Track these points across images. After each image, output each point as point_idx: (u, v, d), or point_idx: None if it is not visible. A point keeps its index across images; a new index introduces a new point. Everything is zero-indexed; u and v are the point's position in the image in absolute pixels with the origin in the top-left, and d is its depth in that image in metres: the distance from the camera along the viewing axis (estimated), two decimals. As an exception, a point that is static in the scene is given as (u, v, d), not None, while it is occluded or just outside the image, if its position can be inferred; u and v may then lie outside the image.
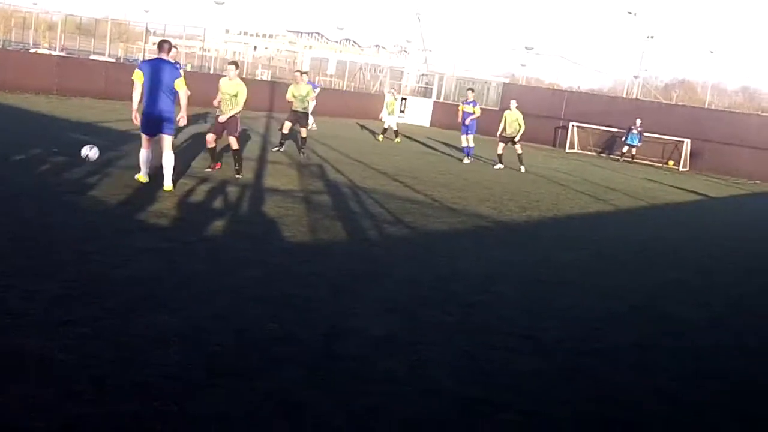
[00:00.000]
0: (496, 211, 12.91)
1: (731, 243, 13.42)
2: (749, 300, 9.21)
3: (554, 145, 35.80)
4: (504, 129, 21.80)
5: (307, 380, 4.82)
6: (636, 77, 70.79)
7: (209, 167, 13.19)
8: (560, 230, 12.41)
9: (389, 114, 27.03)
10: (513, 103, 22.31)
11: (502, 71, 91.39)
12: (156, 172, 10.82)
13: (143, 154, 10.81)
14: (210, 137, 13.12)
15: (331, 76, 56.49)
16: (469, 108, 22.62)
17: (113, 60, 40.19)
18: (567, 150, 34.46)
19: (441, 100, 43.34)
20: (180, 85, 10.59)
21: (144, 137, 10.76)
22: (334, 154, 18.91)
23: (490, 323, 6.59)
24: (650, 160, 32.90)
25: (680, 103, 52.54)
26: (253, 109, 29.16)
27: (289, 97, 18.51)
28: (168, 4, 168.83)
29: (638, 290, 8.70)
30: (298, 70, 22.15)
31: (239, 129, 13.44)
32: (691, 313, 7.96)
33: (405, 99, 41.62)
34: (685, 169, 31.96)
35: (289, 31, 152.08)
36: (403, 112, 40.31)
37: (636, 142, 32.04)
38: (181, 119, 10.72)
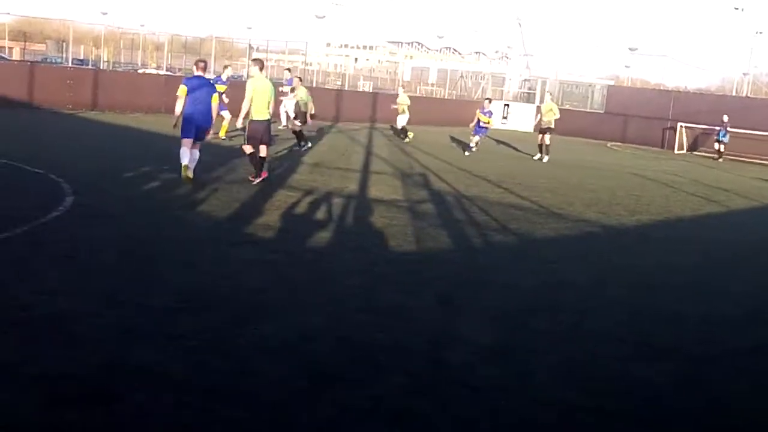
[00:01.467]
0: (604, 216, 12.61)
1: None
2: None
3: (662, 147, 34.82)
4: (540, 120, 23.45)
5: (413, 388, 4.79)
6: (745, 74, 68.18)
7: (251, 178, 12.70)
8: (671, 233, 12.01)
9: (401, 114, 25.86)
10: (548, 96, 25.65)
11: (606, 73, 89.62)
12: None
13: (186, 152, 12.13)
14: (247, 148, 12.69)
15: (432, 84, 56.60)
16: (485, 118, 23.04)
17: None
18: (676, 151, 33.46)
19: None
20: (214, 99, 12.28)
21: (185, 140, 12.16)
22: (437, 162, 18.88)
23: (600, 330, 6.43)
24: (763, 159, 31.55)
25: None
26: (357, 120, 29.51)
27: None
28: (270, 21, 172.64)
29: (753, 294, 8.34)
30: (297, 76, 22.32)
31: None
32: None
33: (507, 105, 41.24)
34: (801, 167, 30.54)
35: (389, 42, 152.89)
36: (506, 118, 39.96)
37: (724, 138, 31.11)
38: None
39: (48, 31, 60.98)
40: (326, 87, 45.21)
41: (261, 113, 12.42)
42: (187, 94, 12.14)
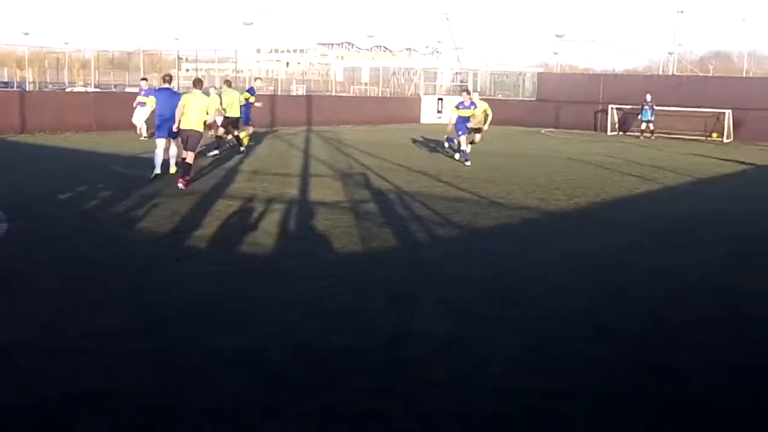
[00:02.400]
0: (543, 202, 12.78)
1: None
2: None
3: (595, 130, 35.39)
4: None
5: (373, 389, 4.80)
6: (670, 54, 69.73)
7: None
8: (609, 214, 12.23)
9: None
10: (476, 95, 21.12)
11: (536, 61, 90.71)
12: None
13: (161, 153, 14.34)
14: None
15: (365, 84, 56.59)
16: (468, 112, 19.85)
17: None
18: (608, 133, 34.04)
19: (478, 96, 43.12)
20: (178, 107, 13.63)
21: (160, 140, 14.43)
22: (376, 161, 18.90)
23: (550, 314, 6.52)
24: (693, 134, 32.36)
25: (717, 75, 51.63)
26: (292, 124, 29.41)
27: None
28: (197, 30, 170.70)
29: (692, 268, 8.54)
30: (227, 80, 22.86)
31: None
32: (749, 286, 7.80)
33: (441, 99, 41.48)
34: (729, 141, 31.38)
35: (319, 44, 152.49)
36: (440, 112, 40.18)
37: (649, 117, 32.12)
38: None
39: (-31, 54, 59.41)
40: (259, 93, 44.84)
41: (187, 123, 13.65)
42: (156, 104, 14.58)
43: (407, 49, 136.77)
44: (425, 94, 43.54)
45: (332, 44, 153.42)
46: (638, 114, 32.74)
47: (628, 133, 33.90)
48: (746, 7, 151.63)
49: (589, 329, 6.16)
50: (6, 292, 6.79)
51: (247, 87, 23.59)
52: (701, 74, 53.43)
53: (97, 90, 35.40)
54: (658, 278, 7.97)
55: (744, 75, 49.40)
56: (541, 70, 55.08)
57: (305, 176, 15.50)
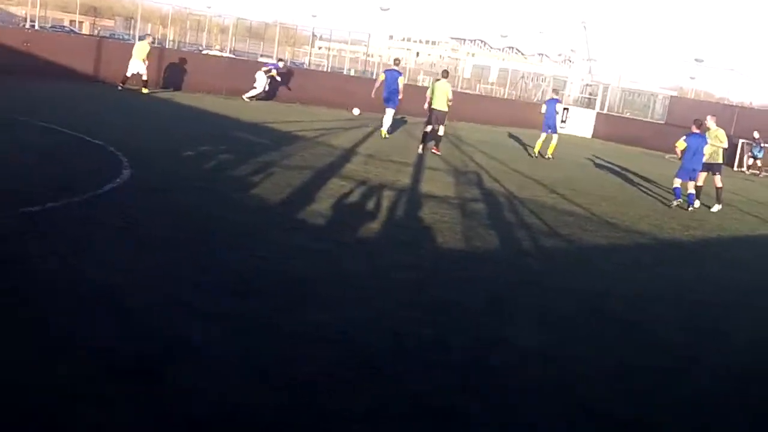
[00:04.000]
0: (657, 229, 12.44)
1: None
2: None
3: (748, 169, 34.02)
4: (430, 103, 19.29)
5: (455, 386, 4.81)
6: (815, 93, 66.49)
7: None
8: (724, 251, 11.83)
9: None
10: (443, 83, 19.31)
11: (670, 83, 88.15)
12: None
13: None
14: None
15: (492, 83, 56.26)
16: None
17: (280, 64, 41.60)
18: (735, 168, 32.78)
19: (605, 111, 42.23)
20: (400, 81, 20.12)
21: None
22: (492, 162, 18.80)
23: (645, 342, 6.38)
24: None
25: None
26: (415, 114, 29.49)
27: None
28: (335, 10, 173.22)
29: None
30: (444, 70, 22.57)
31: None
32: None
33: (567, 109, 40.86)
34: None
35: (452, 38, 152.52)
36: (564, 122, 39.59)
37: (759, 154, 31.23)
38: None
39: (117, 8, 62.08)
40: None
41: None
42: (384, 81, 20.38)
43: (539, 54, 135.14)
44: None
45: (464, 40, 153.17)
46: (748, 151, 31.66)
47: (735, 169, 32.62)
48: None
49: (682, 362, 6.01)
50: (121, 236, 7.11)
51: (385, 69, 23.08)
52: None
53: (232, 56, 36.39)
54: (758, 321, 7.69)
55: None
56: (675, 93, 53.53)
57: (420, 167, 15.55)
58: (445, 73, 20.30)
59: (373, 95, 20.83)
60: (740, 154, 33.22)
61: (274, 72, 27.45)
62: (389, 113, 20.62)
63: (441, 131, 19.01)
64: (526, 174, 17.13)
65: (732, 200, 18.84)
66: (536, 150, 22.35)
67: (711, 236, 12.79)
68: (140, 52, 22.95)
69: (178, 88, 25.58)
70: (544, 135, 22.54)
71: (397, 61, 22.57)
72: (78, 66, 23.67)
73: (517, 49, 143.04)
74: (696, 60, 74.75)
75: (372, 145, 18.31)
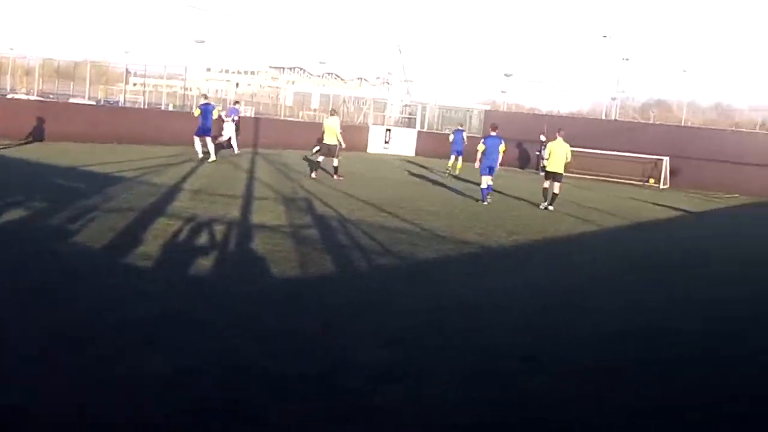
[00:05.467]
0: (483, 237, 12.88)
1: (716, 253, 13.47)
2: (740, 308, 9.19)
3: (537, 169, 35.81)
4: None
5: (306, 417, 4.75)
6: (613, 99, 71.23)
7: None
8: (548, 253, 12.41)
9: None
10: (332, 118, 22.59)
11: (484, 98, 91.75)
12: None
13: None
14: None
15: (314, 110, 56.65)
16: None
17: (93, 103, 40.24)
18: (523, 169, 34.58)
19: (425, 129, 43.48)
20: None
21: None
22: (321, 187, 18.88)
23: (488, 347, 6.56)
24: (631, 179, 33.15)
25: (657, 122, 52.85)
26: (239, 145, 29.20)
27: None
28: (148, 45, 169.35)
29: (627, 308, 8.69)
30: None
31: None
32: (688, 325, 7.96)
33: (389, 130, 41.71)
34: (665, 187, 32.20)
35: (271, 67, 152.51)
36: (387, 143, 40.39)
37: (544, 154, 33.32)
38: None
39: None
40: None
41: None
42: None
43: (358, 78, 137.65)
44: (374, 124, 43.76)
45: (283, 68, 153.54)
46: (538, 151, 34.14)
47: (525, 169, 35.02)
48: (687, 59, 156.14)
49: (525, 363, 6.21)
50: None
51: (198, 104, 25.20)
52: (642, 121, 54.71)
53: (40, 98, 34.77)
54: (590, 316, 8.09)
55: (682, 124, 50.66)
56: (489, 107, 55.81)
57: (248, 198, 15.39)
58: (333, 112, 23.47)
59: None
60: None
61: (235, 117, 29.36)
62: (207, 140, 23.60)
63: (335, 162, 21.67)
64: (355, 196, 17.30)
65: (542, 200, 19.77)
66: (449, 165, 27.82)
67: (536, 239, 13.37)
68: None
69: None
70: (453, 157, 28.44)
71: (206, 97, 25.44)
72: None
73: (336, 75, 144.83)
74: (506, 74, 78.38)
75: (197, 180, 17.96)
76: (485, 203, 18.53)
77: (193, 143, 23.94)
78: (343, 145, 22.09)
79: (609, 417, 5.29)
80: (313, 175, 21.42)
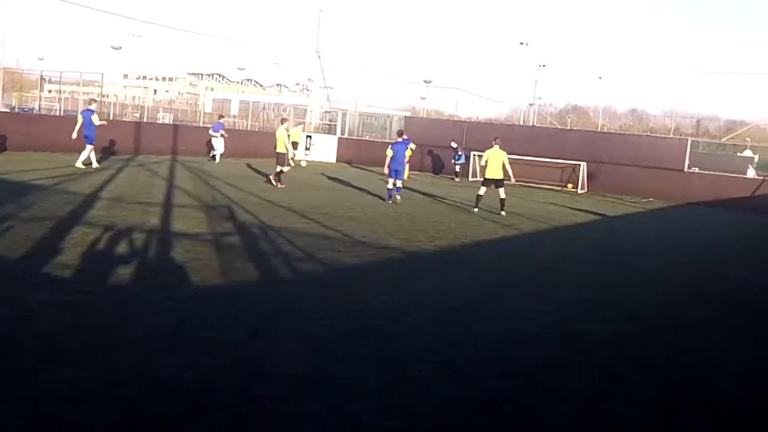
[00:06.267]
0: (405, 242, 13.02)
1: (627, 257, 13.88)
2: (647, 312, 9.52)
3: (456, 175, 36.31)
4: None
5: (227, 427, 4.75)
6: (531, 105, 72.72)
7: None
8: (468, 257, 12.61)
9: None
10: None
11: (404, 104, 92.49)
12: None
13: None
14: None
15: (234, 116, 56.17)
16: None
17: (7, 110, 39.12)
18: (470, 179, 35.00)
19: (345, 135, 43.56)
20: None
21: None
22: (241, 194, 18.77)
23: (406, 353, 6.64)
24: (550, 184, 33.85)
25: (575, 128, 54.16)
26: (157, 153, 28.82)
27: None
28: (63, 52, 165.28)
29: (547, 311, 8.90)
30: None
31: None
32: (594, 329, 8.21)
33: (310, 137, 41.67)
34: (583, 191, 32.93)
35: (189, 74, 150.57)
36: (308, 149, 40.33)
37: (460, 161, 35.51)
38: None
39: None
40: (124, 119, 43.87)
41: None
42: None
43: (278, 84, 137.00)
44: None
45: (202, 75, 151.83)
46: (452, 158, 35.64)
47: (440, 175, 36.32)
48: (603, 65, 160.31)
49: (440, 368, 6.32)
50: None
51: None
52: (559, 126, 55.96)
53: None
54: (513, 320, 8.27)
55: (599, 129, 51.98)
56: (408, 113, 56.27)
57: (168, 206, 15.21)
58: (282, 121, 24.17)
59: (74, 136, 22.82)
60: (472, 165, 35.65)
61: (222, 131, 32.91)
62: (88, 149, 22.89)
63: (285, 170, 22.75)
64: (277, 203, 17.26)
65: (470, 207, 20.07)
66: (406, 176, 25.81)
67: (455, 244, 13.58)
68: None
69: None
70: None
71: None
72: None
73: (255, 81, 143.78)
74: (425, 81, 78.97)
75: (116, 188, 17.66)
76: (390, 202, 20.19)
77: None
78: (292, 154, 23.82)
79: (523, 420, 5.45)
80: (275, 183, 22.29)
